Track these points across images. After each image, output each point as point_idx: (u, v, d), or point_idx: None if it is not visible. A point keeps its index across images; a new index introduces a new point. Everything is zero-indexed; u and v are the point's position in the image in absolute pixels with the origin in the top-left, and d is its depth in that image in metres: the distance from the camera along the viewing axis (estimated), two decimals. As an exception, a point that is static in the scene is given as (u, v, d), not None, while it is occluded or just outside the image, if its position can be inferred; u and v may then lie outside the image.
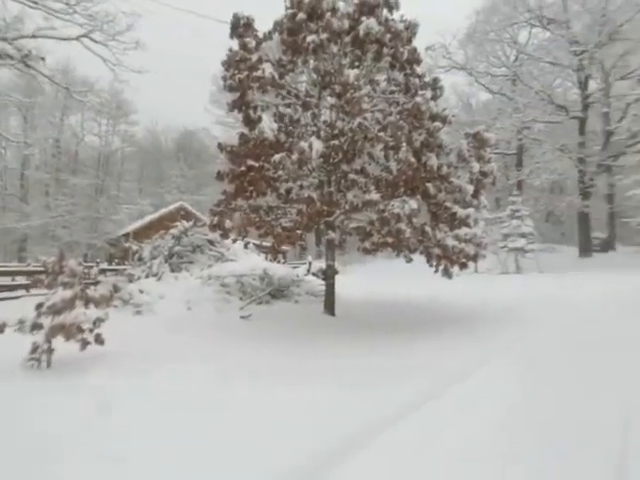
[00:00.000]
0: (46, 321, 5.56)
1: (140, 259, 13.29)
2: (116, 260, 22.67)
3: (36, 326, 5.49)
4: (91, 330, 5.75)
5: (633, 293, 13.06)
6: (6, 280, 14.64)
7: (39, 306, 5.61)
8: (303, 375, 5.63)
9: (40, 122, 38.18)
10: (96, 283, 6.66)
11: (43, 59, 13.89)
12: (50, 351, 5.58)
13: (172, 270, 12.07)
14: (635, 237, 32.12)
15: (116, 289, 7.67)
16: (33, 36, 13.69)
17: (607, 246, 31.78)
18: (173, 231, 13.05)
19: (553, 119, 31.11)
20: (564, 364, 6.22)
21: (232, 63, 9.20)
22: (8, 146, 35.15)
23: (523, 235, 25.28)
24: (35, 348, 5.51)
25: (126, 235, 28.04)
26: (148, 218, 29.81)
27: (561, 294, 13.46)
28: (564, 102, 31.16)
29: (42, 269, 6.16)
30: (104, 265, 16.82)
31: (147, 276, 11.69)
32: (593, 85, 30.61)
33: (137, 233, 26.16)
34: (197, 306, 9.63)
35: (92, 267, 11.50)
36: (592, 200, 30.07)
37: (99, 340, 5.75)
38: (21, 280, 14.60)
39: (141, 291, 9.89)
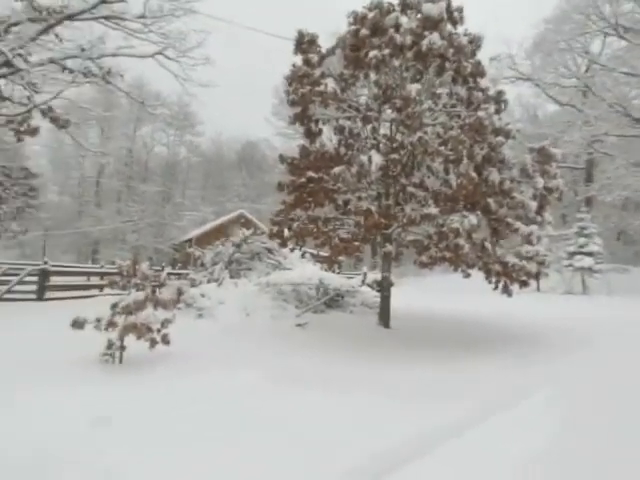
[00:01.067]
0: (120, 320, 5.98)
1: (202, 264, 13.90)
2: (179, 264, 23.70)
3: (111, 324, 5.92)
4: (159, 330, 6.13)
5: None
6: (82, 280, 15.78)
7: (114, 306, 6.05)
8: (355, 383, 5.71)
9: (115, 133, 40.91)
10: (163, 286, 7.05)
11: (122, 76, 14.93)
12: (123, 348, 6.01)
13: (232, 276, 12.51)
14: None
15: (180, 292, 8.09)
16: (114, 55, 14.77)
17: (686, 268, 29.62)
18: (233, 238, 13.55)
19: (628, 132, 29.43)
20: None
21: (295, 78, 9.53)
22: (86, 156, 37.77)
23: (590, 254, 23.99)
24: (110, 345, 5.95)
25: (189, 241, 29.28)
26: (209, 225, 30.98)
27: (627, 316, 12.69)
28: (640, 114, 29.43)
29: (116, 271, 6.62)
30: (168, 269, 17.68)
31: (208, 281, 12.19)
32: (673, 96, 28.74)
33: (199, 239, 27.25)
34: (254, 312, 9.93)
35: (161, 270, 12.12)
36: (670, 218, 28.10)
37: (165, 340, 6.11)
38: (95, 280, 15.69)
39: (203, 295, 10.33)
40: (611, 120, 29.31)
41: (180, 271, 17.00)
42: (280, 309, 10.38)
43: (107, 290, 11.69)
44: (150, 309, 6.17)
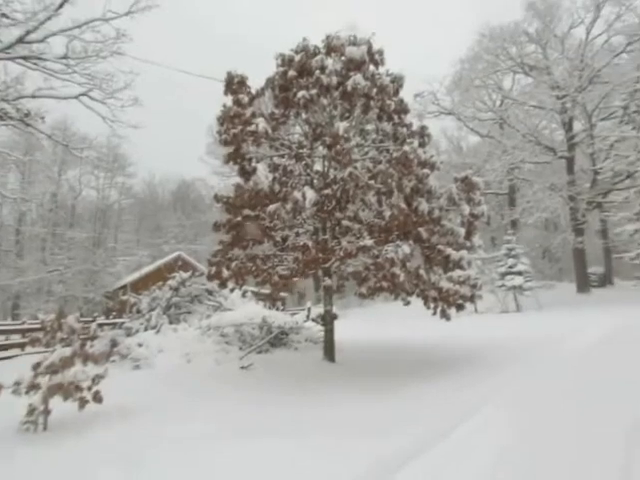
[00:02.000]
0: (43, 381, 5.53)
1: (138, 311, 13.28)
2: (113, 313, 22.53)
3: (33, 387, 5.45)
4: (89, 388, 5.73)
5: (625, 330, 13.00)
6: (0, 339, 14.49)
7: (36, 366, 5.60)
8: (297, 428, 5.56)
9: (38, 177, 38.84)
10: (94, 338, 6.64)
11: (42, 118, 14.34)
12: (47, 412, 5.52)
13: (171, 321, 12.05)
14: (632, 271, 32.27)
15: (114, 344, 7.68)
16: (33, 96, 14.20)
17: (604, 281, 31.98)
18: (171, 282, 13.11)
19: (541, 159, 31.96)
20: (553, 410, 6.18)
21: (226, 118, 9.58)
22: (4, 202, 35.57)
23: (520, 273, 25.35)
24: (32, 410, 5.42)
25: (123, 287, 28.01)
26: (145, 269, 29.88)
27: (558, 333, 13.40)
28: (551, 143, 32.07)
29: (39, 326, 6.17)
30: (101, 319, 16.73)
31: (145, 329, 11.65)
32: (578, 126, 31.59)
33: (135, 285, 26.13)
34: (196, 358, 9.57)
35: (90, 322, 11.46)
36: (586, 236, 30.42)
37: (97, 398, 5.71)
38: (16, 338, 14.47)
39: (139, 345, 9.85)
40: (526, 149, 31.73)
41: (114, 320, 16.12)
42: (223, 352, 10.07)
43: (30, 349, 10.83)
44: (79, 365, 5.76)
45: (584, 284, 29.36)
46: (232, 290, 11.81)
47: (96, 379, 5.80)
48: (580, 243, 29.28)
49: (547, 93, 30.63)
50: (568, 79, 29.28)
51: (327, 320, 10.41)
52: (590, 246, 31.70)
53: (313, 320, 13.60)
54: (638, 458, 4.21)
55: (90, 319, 14.65)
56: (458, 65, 35.09)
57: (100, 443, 5.04)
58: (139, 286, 22.89)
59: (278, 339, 11.10)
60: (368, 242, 8.54)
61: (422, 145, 9.70)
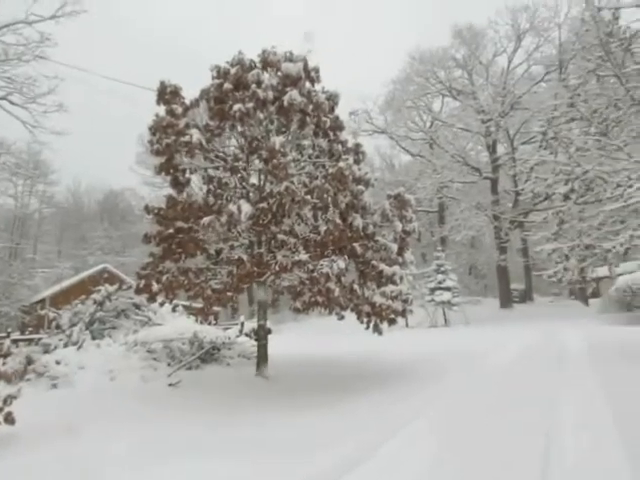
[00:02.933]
0: (-53, 403, 5.08)
1: (58, 327, 12.48)
2: (30, 329, 21.04)
3: None
4: (0, 409, 5.31)
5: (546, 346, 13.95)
6: None
7: (-61, 386, 5.14)
8: (222, 448, 5.45)
9: (-53, 183, 35.82)
10: (6, 355, 6.18)
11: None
12: (-50, 437, 5.08)
13: (94, 337, 11.43)
14: (549, 288, 34.70)
15: (29, 361, 7.18)
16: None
17: (525, 297, 34.07)
18: (95, 295, 12.47)
19: (468, 179, 33.79)
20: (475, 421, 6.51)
21: (159, 128, 9.36)
22: None
23: (448, 289, 26.46)
24: None
25: (42, 301, 26.30)
26: (67, 282, 28.31)
27: (483, 348, 14.12)
28: (477, 164, 34.03)
29: (-56, 344, 5.67)
30: (16, 335, 15.59)
31: (66, 345, 10.97)
32: (501, 149, 33.80)
33: (55, 299, 24.67)
34: (121, 375, 9.12)
35: (4, 338, 10.65)
36: (509, 254, 32.34)
37: (9, 420, 5.31)
38: None
39: (58, 362, 9.24)
40: (454, 169, 33.47)
41: (30, 336, 15.07)
42: (150, 369, 9.67)
43: None
44: (-11, 386, 5.35)
45: (507, 300, 31.09)
46: (162, 304, 11.45)
47: (8, 399, 5.39)
48: (503, 261, 31.07)
49: (473, 117, 32.58)
50: (492, 104, 31.32)
51: (261, 335, 10.33)
52: (512, 264, 33.71)
53: (246, 335, 13.43)
54: (555, 449, 4.65)
55: (3, 335, 13.61)
56: (391, 85, 36.52)
57: (6, 468, 4.68)
58: (60, 300, 21.57)
59: (209, 355, 10.84)
60: (303, 257, 8.61)
61: (357, 162, 9.97)
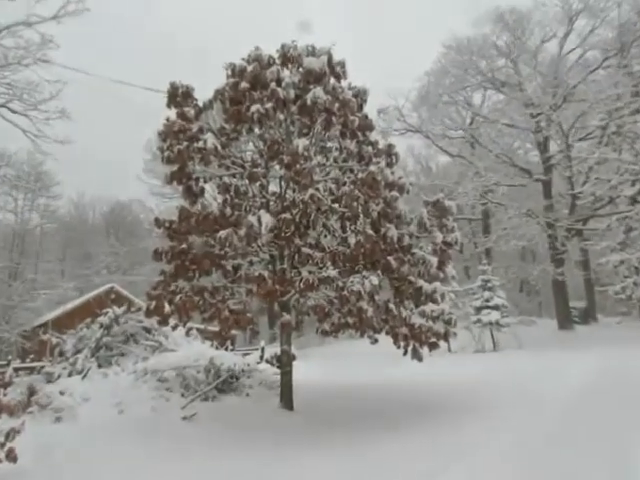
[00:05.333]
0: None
1: (61, 354, 12.77)
2: (31, 356, 21.54)
3: None
4: (2, 445, 5.44)
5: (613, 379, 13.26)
6: None
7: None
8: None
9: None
10: (7, 385, 6.34)
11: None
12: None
13: (100, 365, 11.64)
14: (616, 306, 33.32)
15: (32, 392, 7.35)
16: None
17: (587, 316, 32.67)
18: (101, 319, 12.72)
19: (516, 182, 33.09)
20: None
21: (170, 133, 9.58)
22: None
23: (496, 307, 25.96)
24: None
25: (44, 325, 26.91)
26: (71, 304, 28.91)
27: (539, 377, 13.67)
28: (526, 164, 33.32)
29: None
30: (17, 362, 15.97)
31: (70, 374, 11.20)
32: (554, 146, 32.98)
33: (58, 322, 25.19)
34: (130, 408, 9.25)
35: (4, 366, 10.94)
36: (566, 267, 31.23)
37: (12, 457, 5.43)
38: None
39: (62, 393, 9.43)
40: (500, 170, 32.89)
41: (32, 364, 15.42)
42: (162, 400, 9.78)
43: None
44: (-10, 419, 5.49)
45: (566, 320, 29.81)
46: (174, 328, 11.60)
47: (11, 434, 5.52)
48: (560, 275, 29.95)
49: (520, 111, 32.03)
50: (542, 96, 30.69)
51: (284, 361, 10.34)
52: (570, 278, 32.64)
53: (268, 361, 13.46)
54: None
55: (4, 362, 13.97)
56: (424, 79, 36.20)
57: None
58: (63, 324, 22.01)
59: (227, 384, 10.90)
60: (332, 272, 8.62)
61: (389, 165, 9.97)
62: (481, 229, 38.90)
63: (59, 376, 11.07)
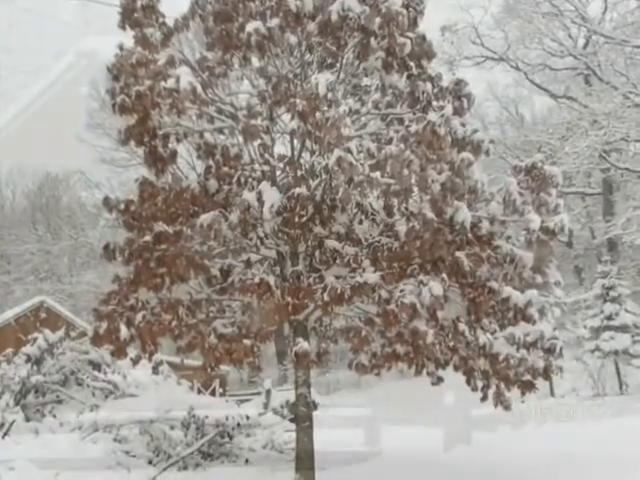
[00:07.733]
0: None
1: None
2: None
3: None
4: None
5: None
6: None
7: None
8: None
9: None
10: None
11: None
12: None
13: (28, 417, 11.88)
14: None
15: None
16: None
17: None
18: (28, 348, 12.96)
19: (656, 136, 32.58)
20: None
21: (125, 68, 9.60)
22: None
23: (625, 328, 25.70)
24: None
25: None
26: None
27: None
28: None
29: None
30: None
31: (-17, 431, 11.48)
32: None
33: (-37, 355, 25.69)
34: (72, 481, 9.44)
35: None
36: None
37: None
38: None
39: (-28, 460, 9.67)
40: (630, 117, 32.30)
41: None
42: (121, 469, 9.97)
43: None
44: None
45: None
46: (135, 362, 11.71)
47: None
48: None
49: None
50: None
51: (301, 413, 10.36)
52: None
53: (276, 412, 13.58)
54: None
55: None
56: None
57: None
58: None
59: (217, 446, 11.05)
60: (371, 277, 8.59)
61: (459, 113, 9.87)
62: (601, 209, 38.38)
63: (-33, 434, 11.34)
